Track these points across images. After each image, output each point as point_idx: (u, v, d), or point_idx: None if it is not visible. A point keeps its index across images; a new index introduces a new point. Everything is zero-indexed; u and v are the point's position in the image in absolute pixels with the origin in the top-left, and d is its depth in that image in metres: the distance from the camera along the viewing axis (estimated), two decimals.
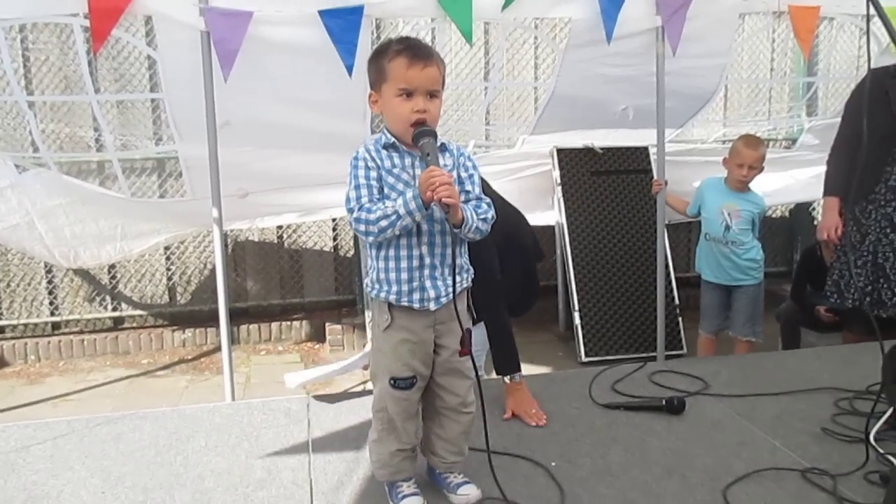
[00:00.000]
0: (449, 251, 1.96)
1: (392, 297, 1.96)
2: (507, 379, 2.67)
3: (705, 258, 3.97)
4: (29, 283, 5.20)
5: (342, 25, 3.24)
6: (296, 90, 3.60)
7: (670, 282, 4.77)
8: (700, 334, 4.10)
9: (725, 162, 3.89)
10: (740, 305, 3.87)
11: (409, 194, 1.84)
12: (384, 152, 1.94)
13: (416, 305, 1.95)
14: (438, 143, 1.93)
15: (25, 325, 5.24)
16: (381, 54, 1.94)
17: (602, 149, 4.96)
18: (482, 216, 1.95)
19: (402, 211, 1.84)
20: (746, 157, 3.76)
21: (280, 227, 5.46)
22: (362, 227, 1.88)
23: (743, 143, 3.83)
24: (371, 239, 1.91)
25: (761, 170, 3.82)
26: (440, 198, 1.79)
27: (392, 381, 1.99)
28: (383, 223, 1.85)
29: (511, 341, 2.67)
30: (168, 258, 5.39)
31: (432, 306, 1.96)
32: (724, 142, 5.29)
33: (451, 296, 1.96)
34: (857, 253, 3.41)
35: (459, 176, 1.99)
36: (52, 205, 4.16)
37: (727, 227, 3.81)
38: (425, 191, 1.80)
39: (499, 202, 2.56)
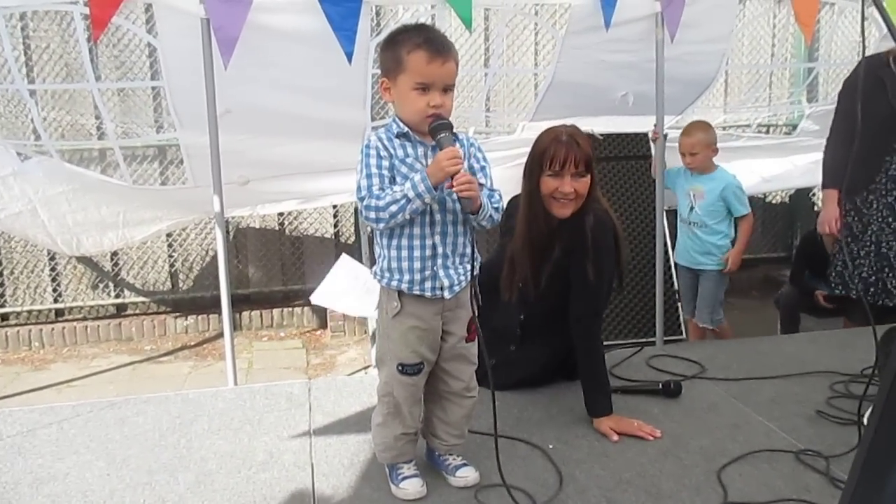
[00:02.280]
0: (461, 240, 1.99)
1: (404, 286, 1.97)
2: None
3: (678, 240, 4.12)
4: (32, 271, 5.23)
5: (342, 13, 3.24)
6: (296, 77, 3.61)
7: (669, 267, 4.78)
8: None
9: None
10: (702, 291, 3.98)
11: (418, 177, 1.85)
12: (396, 141, 1.95)
13: (429, 294, 1.97)
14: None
15: (29, 311, 5.28)
16: (399, 43, 1.90)
17: (602, 135, 4.96)
18: (495, 205, 1.98)
19: (411, 194, 1.84)
20: (682, 144, 3.91)
21: (281, 214, 5.49)
22: (373, 215, 1.89)
23: (682, 131, 3.97)
24: (381, 226, 1.91)
25: (715, 152, 3.88)
26: (461, 193, 1.82)
27: (400, 367, 2.02)
28: (393, 208, 1.86)
29: (606, 379, 2.51)
30: (170, 245, 5.41)
31: (446, 294, 1.98)
32: (724, 128, 5.29)
33: (462, 284, 1.99)
34: (859, 243, 3.39)
35: (471, 167, 2.00)
36: (55, 192, 4.18)
37: (691, 209, 3.92)
38: (442, 170, 1.82)
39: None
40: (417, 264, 1.96)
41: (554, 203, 2.51)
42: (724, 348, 3.31)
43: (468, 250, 2.00)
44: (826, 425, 2.47)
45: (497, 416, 2.51)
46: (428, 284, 1.97)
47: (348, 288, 3.25)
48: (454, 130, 1.98)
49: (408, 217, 1.89)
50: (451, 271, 1.98)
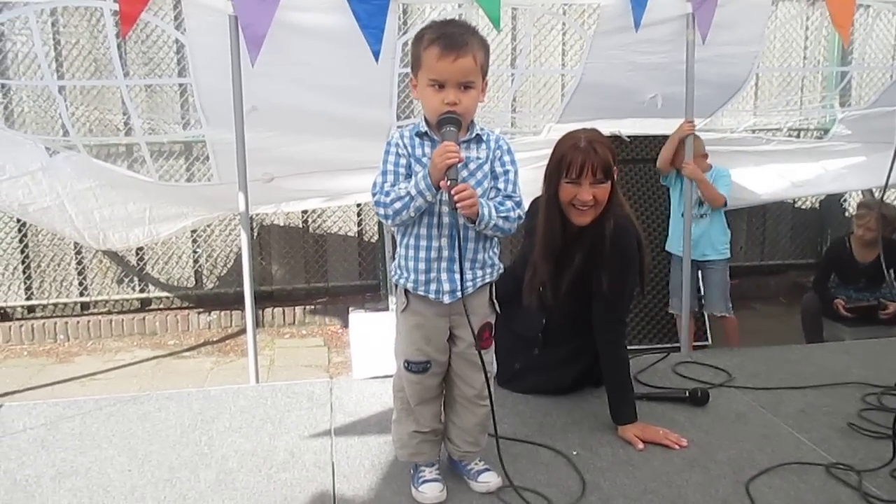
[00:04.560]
0: (471, 245, 1.95)
1: (409, 285, 1.96)
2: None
3: (672, 233, 4.43)
4: (59, 264, 5.29)
5: (369, 11, 3.23)
6: (322, 76, 3.61)
7: None
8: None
9: None
10: (711, 281, 4.29)
11: (420, 174, 1.84)
12: (417, 140, 1.93)
13: (432, 296, 1.95)
14: (474, 134, 1.93)
15: (55, 304, 5.34)
16: (419, 40, 1.89)
17: (629, 137, 4.91)
18: (503, 214, 1.91)
19: (413, 191, 1.83)
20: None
21: (305, 212, 5.50)
22: (381, 210, 1.89)
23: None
24: (390, 222, 1.92)
25: (703, 156, 4.21)
26: (462, 208, 1.79)
27: (406, 364, 2.01)
28: (397, 205, 1.85)
29: (630, 386, 2.45)
30: (195, 241, 5.45)
31: (447, 299, 1.94)
32: (753, 132, 5.22)
33: (469, 290, 1.95)
34: None
35: (494, 170, 1.96)
36: (82, 188, 4.22)
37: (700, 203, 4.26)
38: (435, 166, 1.79)
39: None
40: (422, 265, 1.94)
41: (573, 210, 2.44)
42: (752, 356, 3.23)
43: (480, 256, 1.97)
44: (858, 438, 2.40)
45: (519, 421, 2.50)
46: (432, 286, 1.94)
47: (375, 341, 3.20)
48: (481, 131, 1.96)
49: (412, 214, 1.87)
50: (457, 276, 1.93)
